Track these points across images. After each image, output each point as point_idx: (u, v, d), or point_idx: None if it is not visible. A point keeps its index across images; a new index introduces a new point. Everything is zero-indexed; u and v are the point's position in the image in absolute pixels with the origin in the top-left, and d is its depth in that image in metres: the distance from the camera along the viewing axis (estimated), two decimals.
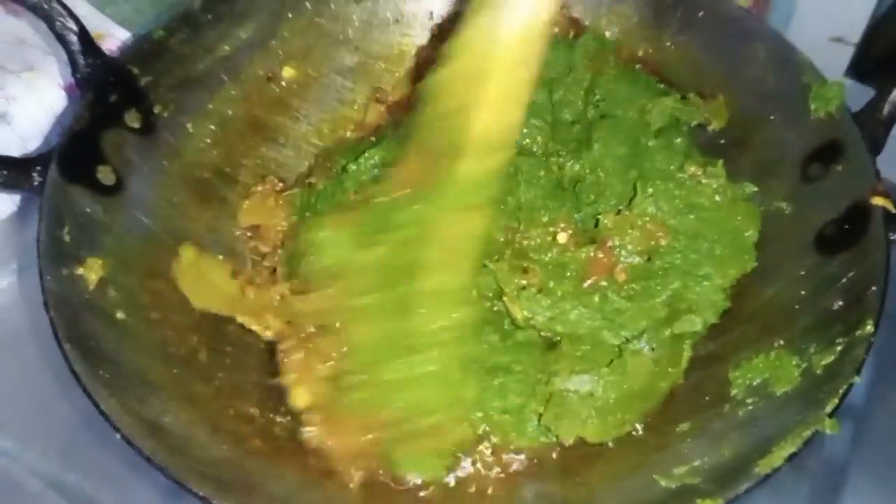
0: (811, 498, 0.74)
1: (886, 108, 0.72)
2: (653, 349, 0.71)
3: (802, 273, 0.70)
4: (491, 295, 0.73)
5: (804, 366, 0.64)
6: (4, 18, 0.93)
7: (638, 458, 0.67)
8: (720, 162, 0.76)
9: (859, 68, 1.00)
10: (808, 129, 0.75)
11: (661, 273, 0.73)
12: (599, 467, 0.68)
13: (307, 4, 0.86)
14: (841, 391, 0.59)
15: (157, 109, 0.78)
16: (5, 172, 0.68)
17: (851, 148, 0.71)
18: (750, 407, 0.65)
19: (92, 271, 0.67)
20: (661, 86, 0.84)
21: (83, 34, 0.74)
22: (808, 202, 0.73)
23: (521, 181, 0.76)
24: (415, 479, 0.67)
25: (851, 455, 0.75)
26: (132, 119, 0.76)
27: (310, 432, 0.68)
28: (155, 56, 0.78)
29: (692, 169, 0.76)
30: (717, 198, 0.75)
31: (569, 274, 0.73)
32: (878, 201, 0.67)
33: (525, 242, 0.75)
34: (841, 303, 0.65)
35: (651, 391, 0.70)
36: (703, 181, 0.76)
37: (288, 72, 0.88)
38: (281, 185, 0.84)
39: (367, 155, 0.78)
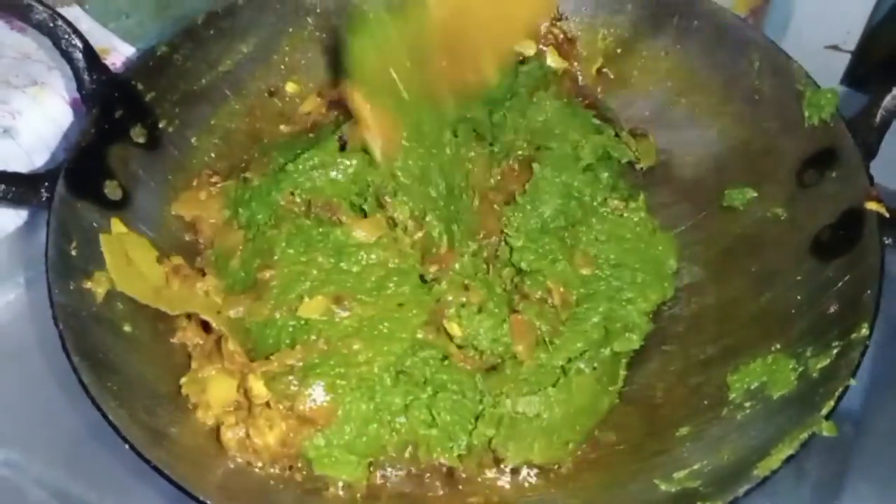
0: (811, 502, 0.74)
1: (879, 115, 0.73)
2: (594, 368, 0.72)
3: (799, 278, 0.71)
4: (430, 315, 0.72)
5: (801, 369, 0.65)
6: (9, 34, 0.94)
7: (638, 462, 0.67)
8: (641, 196, 0.80)
9: (855, 76, 1.01)
10: (803, 136, 0.76)
11: (587, 298, 0.75)
12: (599, 472, 0.69)
13: (308, 19, 0.87)
14: (837, 394, 0.60)
15: (162, 124, 0.79)
16: (13, 188, 0.69)
17: (845, 154, 0.72)
18: (748, 410, 0.66)
19: (99, 285, 0.68)
20: (597, 121, 0.85)
21: (88, 51, 0.76)
22: (804, 208, 0.74)
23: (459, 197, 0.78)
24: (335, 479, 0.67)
25: (850, 459, 0.75)
26: (138, 134, 0.77)
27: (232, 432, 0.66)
28: (159, 72, 0.79)
29: (615, 203, 0.80)
30: (638, 229, 0.79)
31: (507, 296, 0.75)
32: (871, 206, 0.68)
33: (466, 259, 0.75)
34: (836, 307, 0.66)
35: (593, 409, 0.71)
36: (625, 214, 0.79)
37: (291, 87, 0.89)
38: (216, 177, 0.83)
39: (306, 156, 0.76)
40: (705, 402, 0.69)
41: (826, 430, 0.59)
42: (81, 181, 0.71)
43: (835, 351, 0.64)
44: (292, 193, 0.75)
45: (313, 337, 0.68)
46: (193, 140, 0.82)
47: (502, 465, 0.69)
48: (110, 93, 0.76)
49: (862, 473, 0.75)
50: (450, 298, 0.72)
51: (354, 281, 0.71)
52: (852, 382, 0.61)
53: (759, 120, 0.80)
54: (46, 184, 0.69)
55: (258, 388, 0.65)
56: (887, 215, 0.68)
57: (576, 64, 0.91)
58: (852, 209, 0.69)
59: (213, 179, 0.82)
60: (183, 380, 0.68)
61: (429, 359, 0.70)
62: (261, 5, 0.85)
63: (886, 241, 0.67)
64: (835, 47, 1.02)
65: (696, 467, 0.63)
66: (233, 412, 0.67)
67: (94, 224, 0.71)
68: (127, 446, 0.58)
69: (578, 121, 0.85)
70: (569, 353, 0.72)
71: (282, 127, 0.88)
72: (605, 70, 0.91)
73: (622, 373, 0.74)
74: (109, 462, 0.71)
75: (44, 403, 0.76)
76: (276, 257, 0.72)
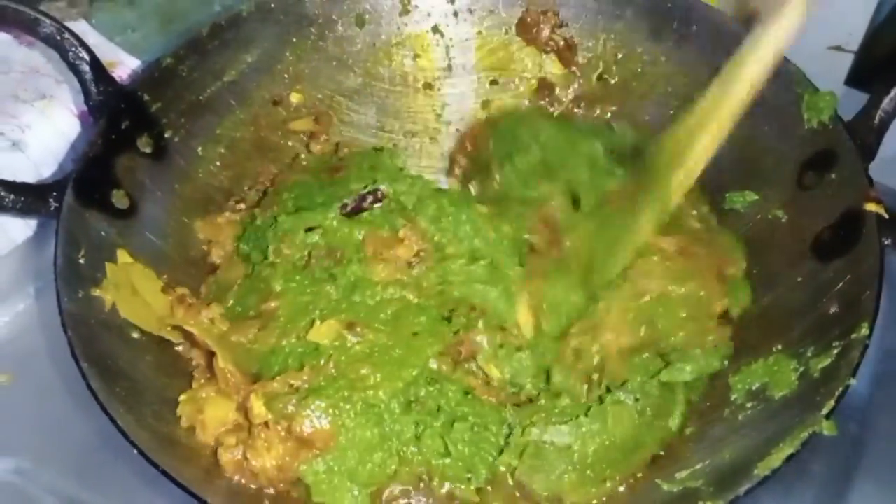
0: (816, 501, 0.74)
1: (878, 117, 0.73)
2: (637, 399, 0.68)
3: (800, 279, 0.72)
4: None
5: (801, 370, 0.65)
6: (18, 49, 0.95)
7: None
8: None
9: (859, 76, 1.01)
10: (803, 138, 0.76)
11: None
12: None
13: (311, 29, 0.88)
14: (837, 393, 0.60)
15: (168, 134, 0.80)
16: (22, 198, 0.70)
17: (844, 156, 0.73)
18: (749, 411, 0.67)
19: (107, 292, 0.68)
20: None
21: (95, 63, 0.77)
22: (804, 210, 0.75)
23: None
24: None
25: (856, 459, 0.76)
26: (144, 144, 0.78)
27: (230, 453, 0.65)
28: (164, 83, 0.80)
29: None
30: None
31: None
32: (871, 207, 0.69)
33: None
34: (837, 307, 0.67)
35: (637, 445, 0.67)
36: None
37: (295, 96, 0.90)
38: (242, 205, 0.84)
39: (305, 216, 0.76)
40: (708, 403, 0.70)
41: (826, 429, 0.60)
42: (89, 191, 0.72)
43: (835, 351, 0.64)
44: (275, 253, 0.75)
45: (322, 361, 0.68)
46: (199, 150, 0.83)
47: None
48: (117, 104, 0.77)
49: (867, 473, 0.75)
50: (481, 339, 0.72)
51: (368, 311, 0.71)
52: (852, 382, 0.61)
53: (759, 123, 0.80)
54: (55, 194, 0.70)
55: (258, 407, 0.65)
56: (886, 216, 0.68)
57: (576, 71, 0.92)
58: (851, 210, 0.70)
59: (238, 207, 0.83)
60: (182, 397, 0.68)
61: (446, 391, 0.68)
62: (264, 16, 0.86)
63: (885, 242, 0.67)
64: (838, 48, 1.02)
65: (698, 467, 0.64)
66: (232, 432, 0.66)
67: (102, 233, 0.72)
68: (135, 451, 0.59)
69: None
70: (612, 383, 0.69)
71: (302, 158, 0.89)
72: (605, 76, 0.91)
73: (680, 407, 0.69)
74: (119, 470, 0.71)
75: (54, 412, 0.77)
76: (277, 289, 0.72)
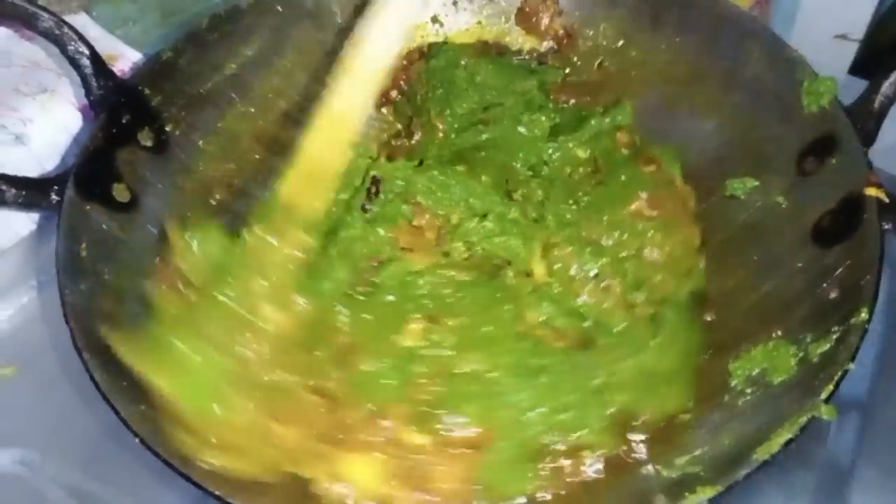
0: (817, 490, 0.74)
1: (878, 101, 0.73)
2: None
3: (800, 265, 0.71)
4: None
5: (801, 355, 0.65)
6: (19, 43, 0.95)
7: None
8: None
9: (863, 65, 1.01)
10: (803, 124, 0.76)
11: None
12: None
13: (310, 21, 0.88)
14: (836, 378, 0.60)
15: (168, 128, 0.80)
16: (24, 192, 0.70)
17: (845, 141, 0.72)
18: (749, 397, 0.67)
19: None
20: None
21: (95, 57, 0.77)
22: (805, 196, 0.74)
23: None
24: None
25: (858, 447, 0.75)
26: (145, 138, 0.78)
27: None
28: (164, 76, 0.80)
29: None
30: None
31: None
32: (871, 192, 0.69)
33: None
34: (837, 293, 0.67)
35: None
36: None
37: (294, 87, 0.90)
38: None
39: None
40: (707, 389, 0.70)
41: (826, 413, 0.60)
42: (90, 184, 0.72)
43: (835, 336, 0.64)
44: None
45: (423, 367, 0.70)
46: (200, 143, 0.83)
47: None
48: (117, 98, 0.77)
49: (869, 461, 0.75)
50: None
51: (432, 302, 0.73)
52: (851, 367, 0.61)
53: (760, 109, 0.80)
54: (56, 187, 0.71)
55: (411, 437, 0.66)
56: (887, 200, 0.68)
57: (576, 59, 0.92)
58: (852, 195, 0.70)
59: None
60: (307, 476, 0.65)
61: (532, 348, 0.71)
62: (263, 8, 0.86)
63: (886, 227, 0.67)
64: (843, 37, 1.02)
65: (697, 453, 0.64)
66: (396, 482, 0.65)
67: (104, 226, 0.72)
68: (137, 440, 0.59)
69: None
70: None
71: None
72: (605, 64, 0.91)
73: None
74: (126, 462, 0.70)
75: (59, 404, 0.77)
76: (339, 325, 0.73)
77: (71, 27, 0.76)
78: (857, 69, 1.02)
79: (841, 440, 0.76)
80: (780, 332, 0.69)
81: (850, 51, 1.02)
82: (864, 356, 0.76)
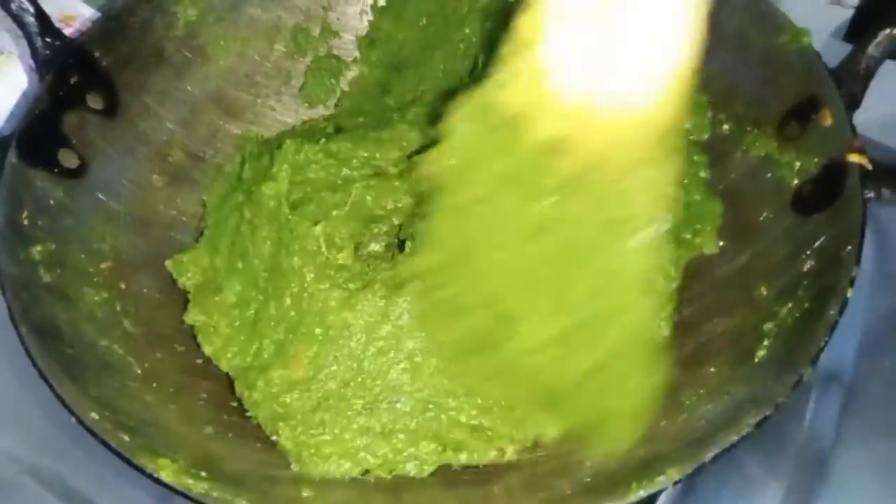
0: (797, 465, 0.72)
1: (864, 63, 0.70)
2: None
3: (780, 234, 0.69)
4: None
5: (777, 329, 0.63)
6: None
7: None
8: None
9: (858, 31, 0.98)
10: (786, 85, 0.73)
11: None
12: None
13: None
14: (814, 353, 0.58)
15: (120, 90, 0.77)
16: None
17: (828, 104, 0.69)
18: (727, 374, 0.64)
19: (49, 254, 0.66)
20: None
21: (41, 16, 0.73)
22: (786, 161, 0.71)
23: None
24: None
25: (840, 422, 0.74)
26: (95, 100, 0.75)
27: None
28: (116, 36, 0.77)
29: None
30: None
31: None
32: (854, 158, 0.65)
33: None
34: (814, 263, 0.64)
35: None
36: None
37: (256, 49, 0.86)
38: None
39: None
40: (681, 367, 0.67)
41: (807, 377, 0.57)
42: (34, 149, 0.69)
43: (813, 309, 0.61)
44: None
45: None
46: (154, 106, 0.79)
47: None
48: (65, 58, 0.73)
49: (853, 438, 0.73)
50: None
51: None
52: (826, 340, 0.58)
53: (743, 71, 0.77)
54: None
55: None
56: (870, 167, 0.65)
57: None
58: (834, 162, 0.66)
59: None
60: None
61: None
62: None
63: (869, 195, 0.64)
64: (837, 3, 0.99)
65: (669, 431, 0.61)
66: None
67: (48, 192, 0.69)
68: (73, 420, 0.56)
69: None
70: None
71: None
72: None
73: None
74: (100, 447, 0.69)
75: (31, 388, 0.74)
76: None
77: None
78: (850, 35, 0.99)
79: (823, 417, 0.74)
80: (757, 305, 0.66)
81: (845, 17, 0.99)
82: (849, 332, 0.76)
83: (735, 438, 0.55)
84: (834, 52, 0.72)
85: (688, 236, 0.74)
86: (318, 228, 0.69)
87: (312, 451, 0.64)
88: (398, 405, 0.65)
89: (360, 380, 0.65)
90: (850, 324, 0.75)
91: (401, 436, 0.65)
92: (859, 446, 0.72)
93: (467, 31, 0.84)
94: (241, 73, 0.86)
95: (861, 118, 0.69)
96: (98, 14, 0.91)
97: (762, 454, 0.72)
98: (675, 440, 0.60)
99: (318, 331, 0.66)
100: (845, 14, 0.99)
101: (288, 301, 0.68)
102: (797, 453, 0.73)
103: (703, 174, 0.76)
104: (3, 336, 0.72)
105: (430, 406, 0.65)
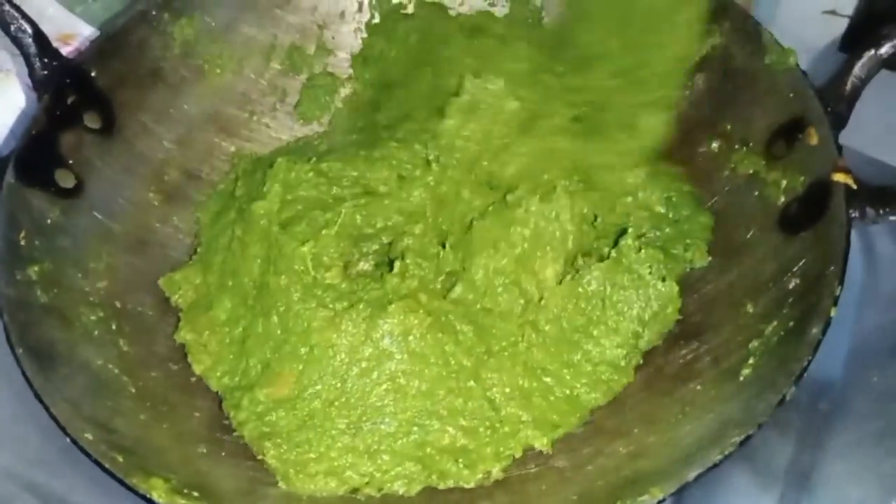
0: (787, 477, 0.72)
1: (850, 83, 0.70)
2: None
3: (766, 253, 0.69)
4: None
5: (763, 348, 0.63)
6: None
7: (598, 444, 0.66)
8: None
9: (852, 40, 0.98)
10: (773, 106, 0.73)
11: None
12: (564, 454, 0.67)
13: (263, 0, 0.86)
14: (797, 373, 0.58)
15: (117, 109, 0.78)
16: None
17: (814, 123, 0.70)
18: (712, 392, 0.65)
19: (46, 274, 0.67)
20: None
21: (38, 36, 0.74)
22: (773, 181, 0.72)
23: None
24: None
25: (828, 433, 0.74)
26: (92, 120, 0.76)
27: None
28: (112, 56, 0.78)
29: None
30: None
31: None
32: (839, 178, 0.66)
33: None
34: (799, 282, 0.64)
35: None
36: None
37: (251, 67, 0.87)
38: None
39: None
40: (666, 384, 0.67)
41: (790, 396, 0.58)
42: (31, 170, 0.70)
43: (797, 328, 0.62)
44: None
45: None
46: (150, 125, 0.80)
47: None
48: (62, 79, 0.74)
49: (838, 451, 0.73)
50: None
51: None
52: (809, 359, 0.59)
53: (732, 88, 0.78)
54: None
55: None
56: (854, 187, 0.65)
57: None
58: (819, 181, 0.67)
59: None
60: None
61: None
62: None
63: (853, 214, 0.64)
64: (832, 12, 0.99)
65: (654, 449, 0.62)
66: None
67: (45, 212, 0.70)
68: (68, 440, 0.57)
69: None
70: None
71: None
72: None
73: None
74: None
75: (29, 407, 0.75)
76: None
77: (13, 5, 0.73)
78: (845, 45, 0.99)
79: (811, 430, 0.74)
80: (743, 323, 0.66)
81: (839, 26, 0.99)
82: (837, 346, 0.76)
83: (719, 458, 0.56)
84: (829, 62, 0.73)
85: (678, 251, 0.75)
86: (306, 248, 0.70)
87: (298, 469, 0.65)
88: (382, 426, 0.66)
89: (343, 399, 0.66)
90: (838, 339, 0.75)
91: (385, 456, 0.65)
92: (847, 458, 0.72)
93: (454, 48, 0.85)
94: (237, 91, 0.86)
95: (860, 132, 0.70)
96: (97, 33, 0.93)
97: (751, 467, 0.72)
98: (659, 458, 0.60)
99: (302, 350, 0.67)
100: (840, 24, 0.99)
101: (275, 319, 0.69)
102: (787, 466, 0.73)
103: (686, 188, 0.77)
104: (0, 355, 0.75)
105: (415, 428, 0.66)
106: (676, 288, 0.70)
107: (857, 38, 0.97)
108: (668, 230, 0.76)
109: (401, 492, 0.65)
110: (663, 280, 0.70)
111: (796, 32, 0.76)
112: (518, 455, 0.67)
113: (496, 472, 0.66)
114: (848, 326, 0.78)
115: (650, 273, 0.70)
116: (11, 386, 0.73)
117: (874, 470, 0.71)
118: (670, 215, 0.76)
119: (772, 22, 0.91)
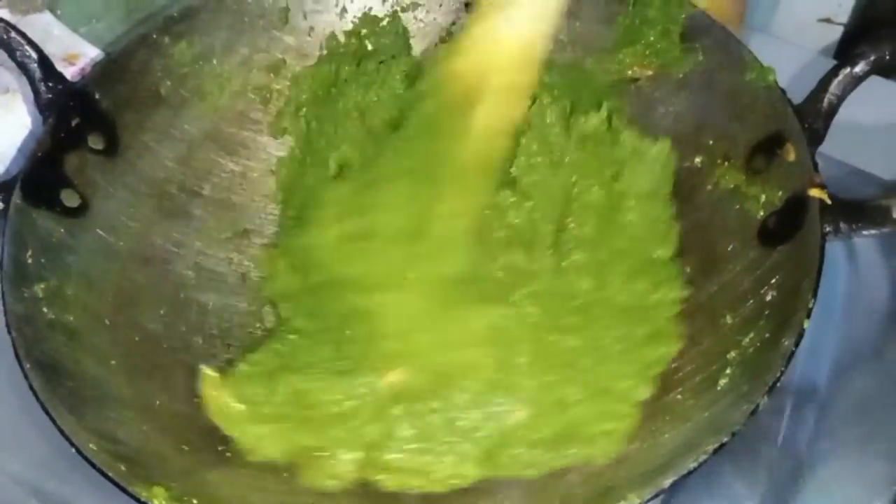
0: (772, 480, 0.74)
1: (826, 100, 0.72)
2: None
3: (745, 266, 0.71)
4: None
5: (740, 358, 0.65)
6: None
7: None
8: None
9: (847, 50, 1.00)
10: (753, 122, 0.75)
11: None
12: None
13: (261, 21, 0.88)
14: (769, 384, 0.60)
15: (119, 131, 0.80)
16: None
17: (792, 140, 0.72)
18: (690, 401, 0.67)
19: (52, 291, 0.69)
20: None
21: (43, 61, 0.77)
22: (752, 195, 0.74)
23: None
24: None
25: (813, 440, 0.76)
26: (95, 141, 0.78)
27: None
28: (115, 78, 0.80)
29: None
30: None
31: None
32: (815, 193, 0.68)
33: None
34: (776, 294, 0.66)
35: None
36: None
37: (251, 88, 0.90)
38: None
39: None
40: (649, 397, 0.70)
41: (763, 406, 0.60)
42: (37, 191, 0.72)
43: (772, 339, 0.64)
44: None
45: None
46: (153, 145, 0.83)
47: None
48: (66, 101, 0.77)
49: (826, 452, 0.75)
50: None
51: None
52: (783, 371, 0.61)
53: (713, 105, 0.80)
54: (2, 194, 0.71)
55: None
56: (829, 202, 0.68)
57: None
58: (796, 196, 0.69)
59: None
60: None
61: None
62: (217, 7, 0.85)
63: (827, 229, 0.66)
64: (827, 20, 1.01)
65: (634, 457, 0.64)
66: None
67: (51, 231, 0.72)
68: (73, 450, 0.60)
69: None
70: None
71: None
72: None
73: None
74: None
75: (36, 416, 0.77)
76: None
77: (18, 31, 0.76)
78: (840, 54, 1.01)
79: (797, 434, 0.76)
80: (721, 335, 0.68)
81: (834, 35, 1.01)
82: (823, 353, 0.78)
83: (693, 465, 0.57)
84: (824, 70, 0.74)
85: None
86: None
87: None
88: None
89: None
90: (823, 345, 0.78)
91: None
92: (832, 461, 0.74)
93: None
94: (237, 110, 0.88)
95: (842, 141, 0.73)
96: (101, 53, 0.96)
97: (738, 470, 0.74)
98: (638, 466, 0.63)
99: None
100: (835, 31, 1.01)
101: None
102: (772, 469, 0.75)
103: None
104: (8, 365, 0.77)
105: None
106: None
107: (853, 46, 0.99)
108: None
109: None
110: None
111: (792, 40, 0.77)
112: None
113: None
114: (834, 334, 0.80)
115: None
116: (20, 398, 0.76)
117: (859, 473, 0.73)
118: None
119: (767, 29, 0.93)
